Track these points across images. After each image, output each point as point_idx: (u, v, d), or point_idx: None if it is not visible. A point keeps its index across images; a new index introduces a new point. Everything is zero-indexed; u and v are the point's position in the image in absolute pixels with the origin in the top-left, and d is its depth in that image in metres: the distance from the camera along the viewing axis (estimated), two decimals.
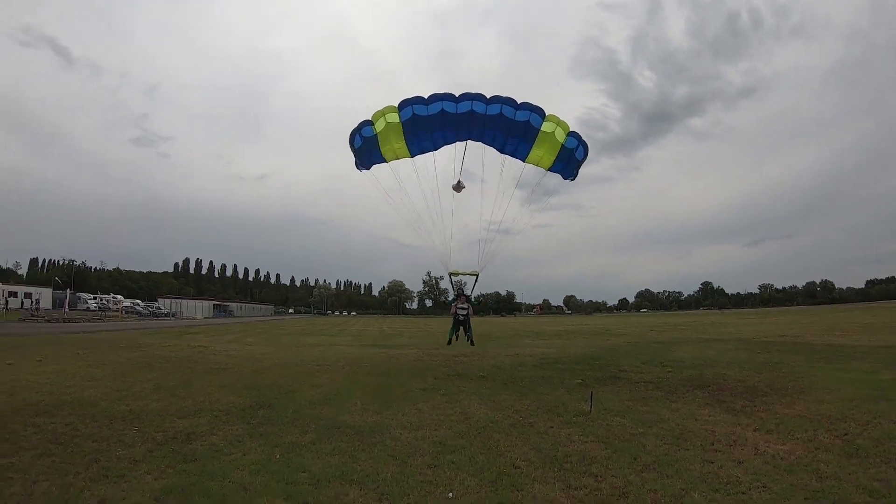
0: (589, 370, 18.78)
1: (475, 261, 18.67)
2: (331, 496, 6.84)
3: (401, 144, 16.56)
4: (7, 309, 62.09)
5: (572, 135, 16.45)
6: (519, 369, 19.46)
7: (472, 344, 19.80)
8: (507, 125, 15.88)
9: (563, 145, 16.40)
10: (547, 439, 9.62)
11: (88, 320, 55.58)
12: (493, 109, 15.49)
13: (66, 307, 64.10)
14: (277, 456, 8.58)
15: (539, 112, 15.79)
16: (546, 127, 15.95)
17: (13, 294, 78.83)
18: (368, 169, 17.81)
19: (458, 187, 17.35)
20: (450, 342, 19.51)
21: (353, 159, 17.94)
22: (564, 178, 18.36)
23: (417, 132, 16.23)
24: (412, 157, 17.17)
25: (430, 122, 15.86)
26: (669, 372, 17.74)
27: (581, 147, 16.94)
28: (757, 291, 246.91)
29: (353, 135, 16.79)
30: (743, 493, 6.73)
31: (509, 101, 15.51)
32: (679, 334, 38.78)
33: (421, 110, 15.62)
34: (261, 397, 13.34)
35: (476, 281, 18.86)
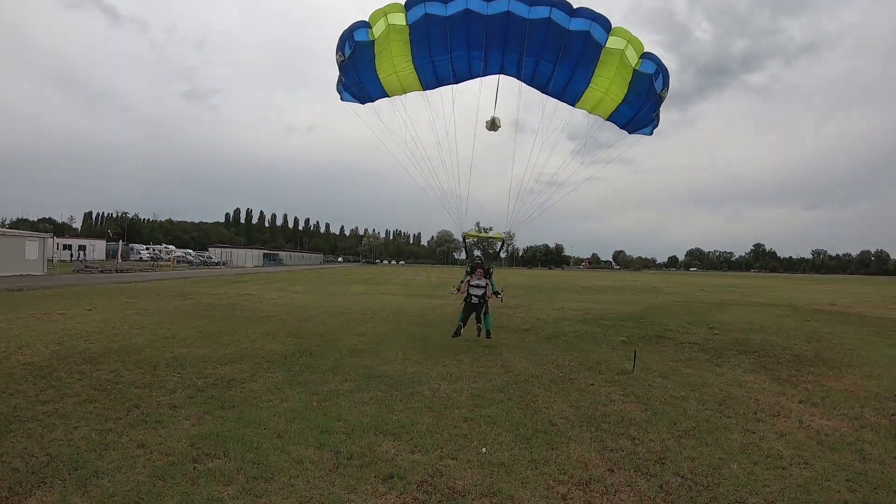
0: (634, 328, 18.61)
1: (501, 222, 14.15)
2: (364, 447, 6.81)
3: (407, 66, 12.27)
4: (60, 261, 63.63)
5: (648, 56, 11.70)
6: (563, 324, 19.38)
7: (488, 336, 14.22)
8: (556, 39, 11.36)
9: (635, 70, 11.71)
10: (586, 397, 9.45)
11: (140, 270, 57.04)
12: (539, 13, 11.05)
13: (119, 258, 65.71)
14: (315, 404, 8.61)
15: (602, 22, 11.23)
16: (613, 43, 11.43)
17: (67, 247, 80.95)
18: (361, 102, 13.33)
19: (494, 126, 13.32)
20: (457, 333, 14.09)
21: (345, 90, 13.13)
22: (636, 131, 13.53)
23: (431, 45, 11.89)
24: (424, 89, 12.97)
25: (450, 30, 11.50)
26: (716, 334, 17.43)
27: (661, 74, 11.91)
28: (809, 257, 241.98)
29: (342, 41, 11.95)
30: (783, 469, 6.42)
31: (560, 3, 11.06)
32: (728, 296, 38.06)
33: (437, 9, 11.25)
34: (303, 345, 13.54)
35: (502, 248, 14.98)
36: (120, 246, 72.96)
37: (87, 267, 54.83)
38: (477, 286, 13.61)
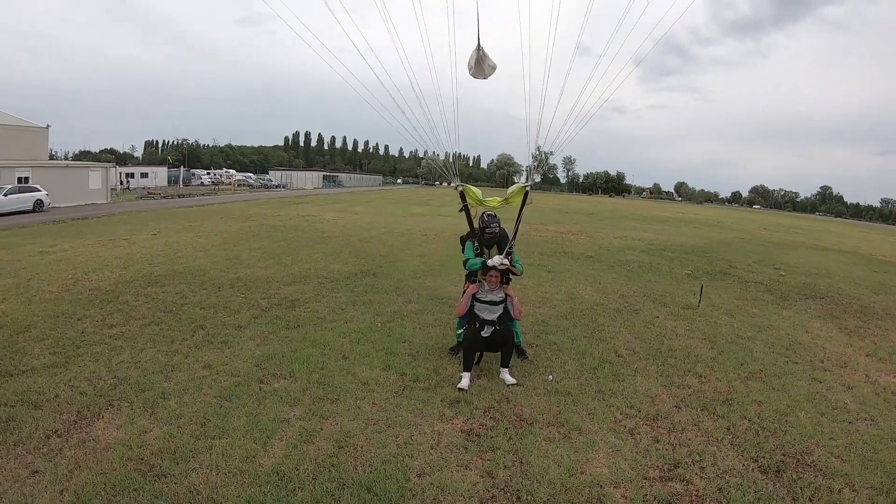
0: (698, 262, 18.17)
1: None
2: (429, 369, 6.82)
3: None
4: (129, 189, 65.11)
5: None
6: (626, 253, 19.10)
7: (523, 356, 7.68)
8: None
9: None
10: (652, 330, 9.28)
11: (202, 194, 57.87)
12: None
13: (181, 183, 66.90)
14: (379, 325, 8.68)
15: None
16: None
17: (130, 175, 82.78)
18: None
19: (481, 69, 7.95)
20: (457, 350, 7.57)
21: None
22: None
23: None
24: None
25: None
26: (782, 276, 16.84)
27: None
28: (878, 205, 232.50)
29: None
30: (849, 423, 6.15)
31: None
32: (793, 237, 36.77)
33: None
34: (365, 265, 13.67)
35: (524, 207, 7.71)
36: (181, 172, 74.23)
37: (149, 193, 55.96)
38: (491, 304, 7.04)
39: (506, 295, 7.15)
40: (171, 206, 37.91)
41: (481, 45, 7.59)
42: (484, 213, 7.64)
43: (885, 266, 23.24)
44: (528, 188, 7.69)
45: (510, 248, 7.46)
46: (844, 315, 11.97)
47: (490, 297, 7.03)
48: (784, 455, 5.31)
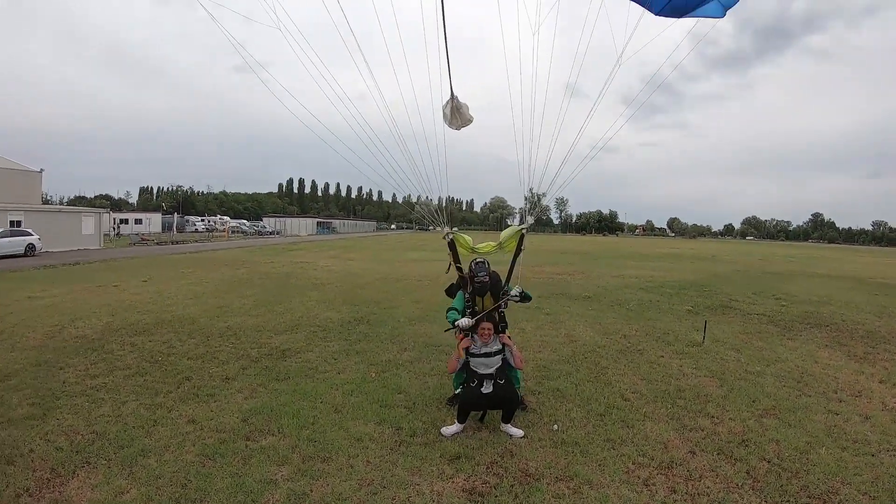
0: (697, 297, 17.86)
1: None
2: (427, 422, 6.43)
3: None
4: (119, 235, 64.93)
5: None
6: (624, 291, 18.78)
7: (523, 406, 7.06)
8: None
9: None
10: (657, 370, 8.92)
11: (196, 241, 57.75)
12: None
13: (174, 230, 66.93)
14: (373, 375, 8.29)
15: None
16: None
17: (124, 221, 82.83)
18: None
19: (458, 119, 7.30)
20: (455, 401, 6.95)
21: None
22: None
23: None
24: None
25: None
26: (783, 306, 16.60)
27: None
28: (869, 228, 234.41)
29: None
30: (872, 456, 5.85)
31: None
32: (790, 266, 36.63)
33: None
34: (359, 313, 13.27)
35: (520, 251, 7.29)
36: (175, 218, 74.39)
37: (143, 239, 55.74)
38: (487, 356, 6.48)
39: (503, 344, 6.61)
40: (165, 252, 37.71)
41: (455, 95, 7.04)
42: (472, 260, 7.04)
43: (885, 289, 23.13)
44: (524, 231, 7.21)
45: (505, 296, 6.92)
46: (851, 342, 11.73)
47: (485, 350, 6.48)
48: (810, 497, 4.99)
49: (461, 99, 7.13)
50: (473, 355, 6.46)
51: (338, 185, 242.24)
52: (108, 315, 12.68)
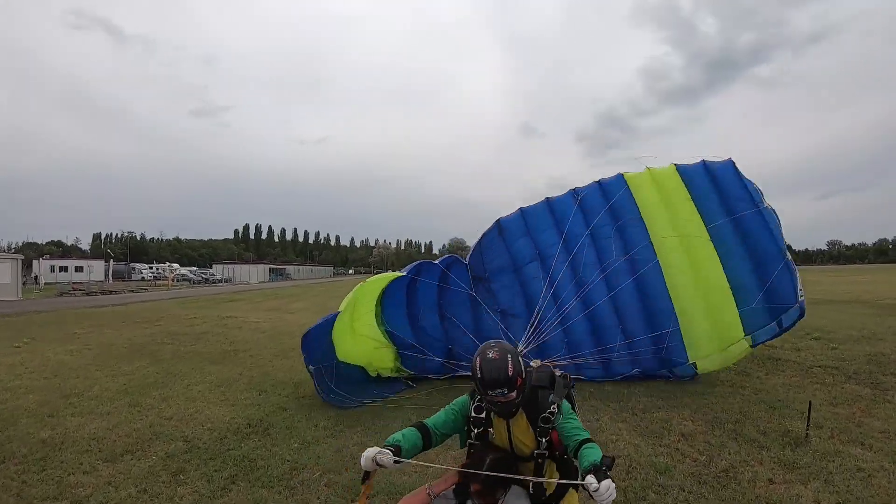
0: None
1: None
2: None
3: None
4: (35, 285, 59.81)
5: None
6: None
7: None
8: None
9: None
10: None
11: (132, 290, 52.61)
12: None
13: (110, 278, 62.15)
14: None
15: None
16: None
17: (64, 268, 77.55)
18: None
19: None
20: None
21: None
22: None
23: None
24: None
25: None
26: (835, 349, 13.06)
27: None
28: (825, 248, 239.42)
29: None
30: None
31: None
32: None
33: None
34: (262, 410, 8.66)
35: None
36: (111, 266, 69.56)
37: (74, 289, 50.72)
38: None
39: None
40: (87, 304, 32.97)
41: None
42: (486, 349, 3.29)
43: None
44: None
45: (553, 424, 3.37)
46: None
47: None
48: None
49: None
50: None
51: (294, 230, 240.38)
52: None
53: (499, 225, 10.97)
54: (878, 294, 30.32)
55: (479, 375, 3.20)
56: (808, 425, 6.88)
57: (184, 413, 8.42)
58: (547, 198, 10.79)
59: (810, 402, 7.08)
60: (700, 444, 6.68)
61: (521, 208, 10.98)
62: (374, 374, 10.42)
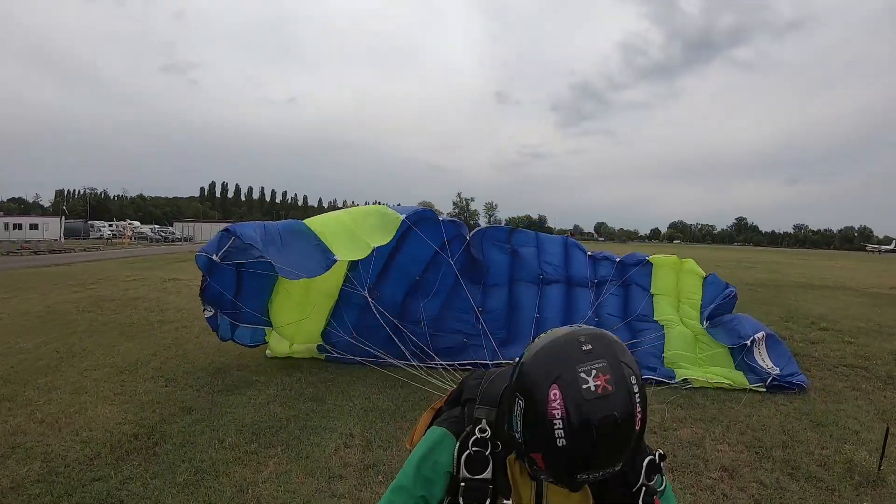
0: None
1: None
2: None
3: None
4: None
5: None
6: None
7: None
8: None
9: None
10: None
11: (84, 249, 49.90)
12: None
13: (62, 237, 59.36)
14: None
15: None
16: None
17: (18, 226, 74.39)
18: None
19: None
20: None
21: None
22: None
23: None
24: None
25: None
26: (850, 343, 11.69)
27: None
28: (791, 231, 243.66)
29: None
30: None
31: None
32: (762, 274, 32.36)
33: None
34: (163, 410, 6.72)
35: None
36: (62, 223, 66.65)
37: (23, 247, 48.06)
38: None
39: None
40: (32, 263, 30.70)
41: None
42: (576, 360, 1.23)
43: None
44: None
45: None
46: None
47: None
48: None
49: None
50: None
51: (262, 189, 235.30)
52: None
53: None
54: (862, 282, 29.57)
55: (562, 444, 1.21)
56: (882, 456, 5.21)
57: (63, 412, 6.46)
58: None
59: (888, 427, 5.34)
60: (751, 483, 4.94)
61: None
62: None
